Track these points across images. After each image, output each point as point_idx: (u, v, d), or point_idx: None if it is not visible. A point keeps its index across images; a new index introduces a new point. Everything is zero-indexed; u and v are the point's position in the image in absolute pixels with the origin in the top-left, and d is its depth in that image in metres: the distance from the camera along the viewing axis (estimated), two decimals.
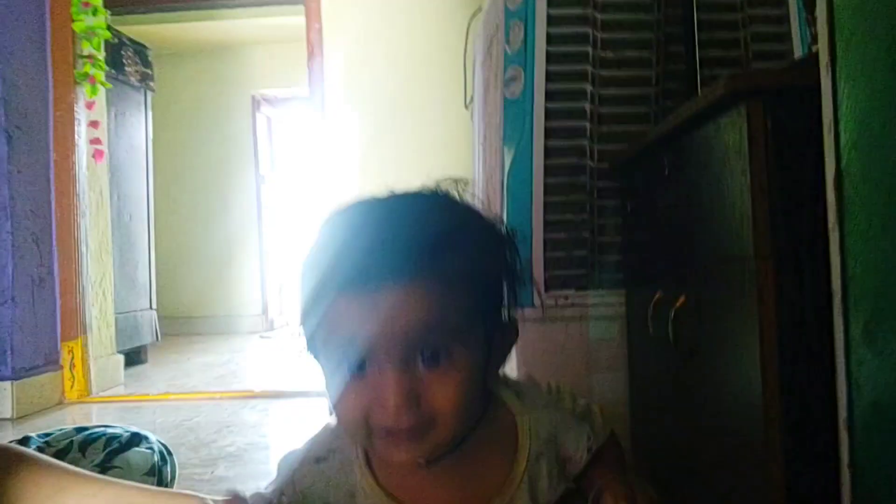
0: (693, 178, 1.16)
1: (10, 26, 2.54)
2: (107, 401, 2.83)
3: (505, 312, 0.61)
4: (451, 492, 0.59)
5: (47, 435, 1.02)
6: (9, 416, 2.45)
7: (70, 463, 0.96)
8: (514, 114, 1.70)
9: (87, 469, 0.96)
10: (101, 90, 2.93)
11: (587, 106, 1.68)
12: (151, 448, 1.04)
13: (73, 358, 2.78)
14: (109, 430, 1.04)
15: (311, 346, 0.58)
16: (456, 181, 0.61)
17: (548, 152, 1.67)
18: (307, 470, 0.61)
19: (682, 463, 1.30)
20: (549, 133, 1.67)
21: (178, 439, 2.11)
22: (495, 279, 0.59)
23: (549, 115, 1.67)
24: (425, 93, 2.56)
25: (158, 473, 1.03)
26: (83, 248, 2.87)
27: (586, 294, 1.67)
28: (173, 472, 1.08)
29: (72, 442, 1.00)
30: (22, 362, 2.53)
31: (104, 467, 0.98)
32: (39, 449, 0.97)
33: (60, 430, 1.05)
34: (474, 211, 0.61)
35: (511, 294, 0.60)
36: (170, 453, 1.08)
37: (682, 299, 1.19)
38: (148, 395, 2.95)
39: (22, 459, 0.81)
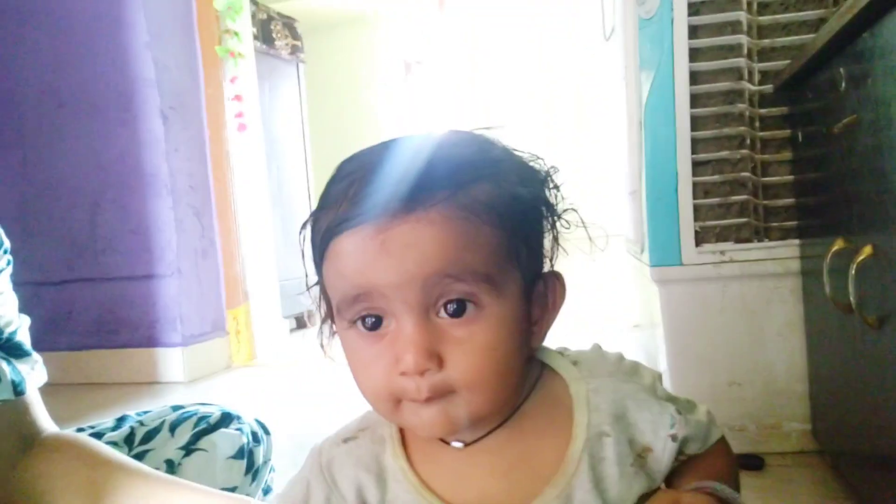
0: (880, 90, 0.86)
1: (157, 10, 2.66)
2: (271, 364, 2.96)
3: (547, 262, 0.51)
4: (495, 480, 0.49)
5: (144, 413, 1.00)
6: (181, 379, 2.63)
7: (158, 444, 0.93)
8: (650, 35, 1.43)
9: (172, 451, 0.93)
10: (245, 63, 3.00)
11: (743, 15, 1.37)
12: (241, 429, 0.99)
13: (238, 324, 2.93)
14: (202, 410, 1.00)
15: (328, 310, 0.51)
16: (493, 128, 0.55)
17: (693, 77, 1.38)
18: (334, 452, 0.53)
19: (874, 458, 1.01)
20: (694, 54, 1.38)
21: (321, 406, 2.12)
22: (532, 220, 0.49)
23: (693, 31, 1.38)
24: (561, 27, 2.32)
25: (249, 455, 0.98)
26: (241, 219, 2.99)
27: (749, 247, 1.38)
28: (267, 453, 1.02)
29: (163, 422, 0.97)
30: (190, 329, 2.69)
31: (189, 449, 0.94)
32: (132, 429, 0.95)
33: (161, 408, 1.03)
34: (507, 148, 0.51)
35: (553, 239, 0.51)
36: (267, 433, 1.03)
37: (867, 250, 0.90)
38: (308, 358, 3.04)
39: (82, 457, 0.78)
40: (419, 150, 0.47)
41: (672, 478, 0.53)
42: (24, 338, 0.80)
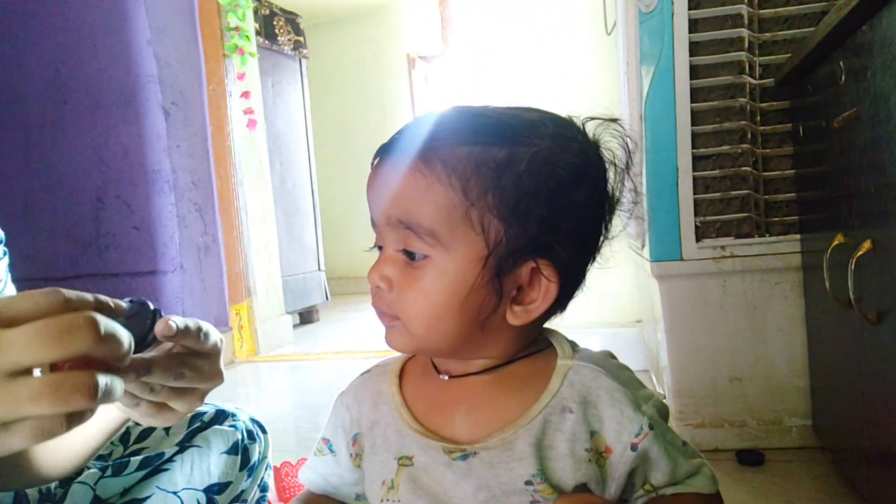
0: (879, 83, 0.85)
1: (159, 6, 2.66)
2: (273, 359, 2.96)
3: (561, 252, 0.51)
4: (460, 413, 0.54)
5: None
6: None
7: (154, 441, 0.94)
8: (650, 29, 1.43)
9: (168, 448, 0.93)
10: (252, 60, 3.01)
11: (744, 9, 1.36)
12: (235, 426, 0.99)
13: (241, 319, 2.94)
14: (198, 408, 1.00)
15: None
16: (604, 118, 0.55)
17: (694, 71, 1.38)
18: (352, 385, 0.63)
19: (874, 454, 1.01)
20: (694, 48, 1.38)
21: (322, 400, 2.12)
22: (518, 200, 0.49)
23: (694, 25, 1.37)
24: (564, 21, 2.31)
25: (244, 452, 0.98)
26: (244, 216, 2.99)
27: (750, 242, 1.38)
28: (264, 450, 1.03)
29: None
30: None
31: (183, 446, 0.94)
32: (128, 428, 0.95)
33: None
34: (558, 136, 0.51)
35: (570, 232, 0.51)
36: (264, 431, 1.04)
37: (866, 245, 0.90)
38: (309, 353, 3.05)
39: None
40: (449, 112, 0.53)
41: None
42: None
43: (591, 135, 0.53)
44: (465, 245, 0.49)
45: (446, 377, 0.56)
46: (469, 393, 0.55)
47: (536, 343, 0.56)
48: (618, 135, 0.54)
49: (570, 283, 0.53)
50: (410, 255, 0.51)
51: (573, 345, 0.57)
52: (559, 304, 0.53)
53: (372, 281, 0.52)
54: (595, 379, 0.52)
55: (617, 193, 0.54)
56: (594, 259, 0.54)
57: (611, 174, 0.53)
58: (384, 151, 0.52)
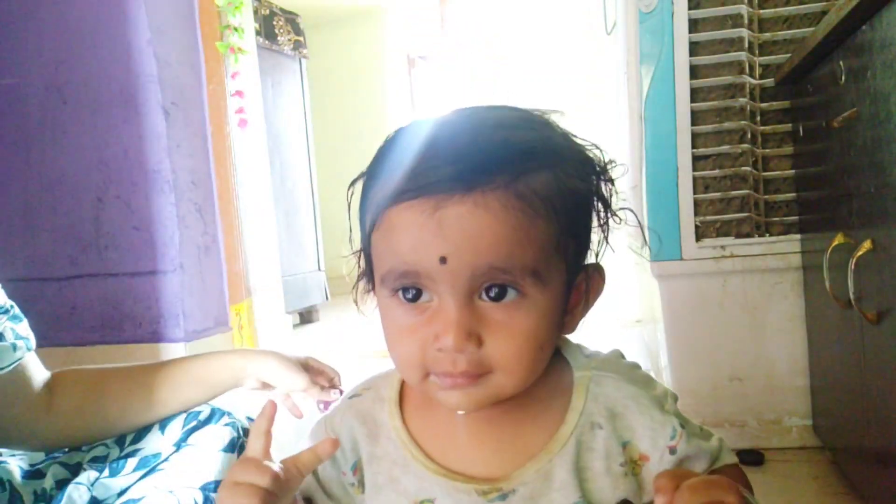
0: (879, 83, 0.85)
1: (159, 6, 2.65)
2: None
3: (591, 254, 0.50)
4: (483, 449, 0.50)
5: None
6: None
7: (150, 442, 0.94)
8: (651, 28, 1.43)
9: (164, 447, 0.93)
10: (245, 59, 2.99)
11: (744, 9, 1.36)
12: (232, 424, 1.00)
13: (240, 319, 2.94)
14: (192, 409, 1.01)
15: (369, 275, 0.51)
16: (551, 112, 0.51)
17: (694, 71, 1.38)
18: (341, 407, 0.57)
19: (874, 453, 1.01)
20: (694, 47, 1.38)
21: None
22: (583, 215, 0.48)
23: (694, 25, 1.37)
24: (564, 21, 2.31)
25: (240, 449, 0.98)
26: (244, 216, 2.99)
27: (749, 242, 1.38)
28: None
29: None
30: (193, 325, 2.69)
31: (179, 446, 0.95)
32: None
33: None
34: (565, 132, 0.49)
35: (603, 236, 0.50)
36: None
37: (866, 245, 0.90)
38: (309, 354, 3.04)
39: (78, 378, 0.87)
40: (480, 126, 0.46)
41: None
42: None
43: None
44: (556, 274, 0.46)
45: (462, 411, 0.49)
46: (492, 424, 0.50)
47: None
48: None
49: None
50: (498, 296, 0.44)
51: (581, 349, 0.54)
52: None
53: (456, 346, 0.43)
54: (618, 389, 0.50)
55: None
56: None
57: None
58: (431, 190, 0.42)
